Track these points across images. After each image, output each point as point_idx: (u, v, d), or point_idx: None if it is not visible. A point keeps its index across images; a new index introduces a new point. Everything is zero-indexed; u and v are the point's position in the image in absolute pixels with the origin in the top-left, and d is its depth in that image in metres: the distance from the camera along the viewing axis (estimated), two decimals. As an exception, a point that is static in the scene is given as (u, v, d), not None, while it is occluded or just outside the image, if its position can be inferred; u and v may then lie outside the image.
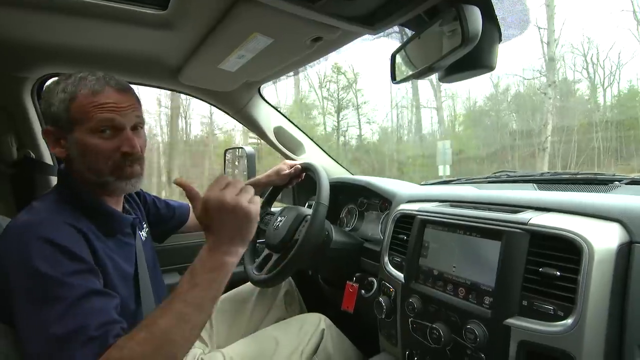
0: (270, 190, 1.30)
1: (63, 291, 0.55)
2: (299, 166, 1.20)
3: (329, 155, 1.69)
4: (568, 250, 0.63)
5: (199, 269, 0.59)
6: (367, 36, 0.89)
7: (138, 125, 0.74)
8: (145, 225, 0.92)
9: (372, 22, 0.80)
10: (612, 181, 0.91)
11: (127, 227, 0.79)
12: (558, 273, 0.62)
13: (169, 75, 1.19)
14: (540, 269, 0.64)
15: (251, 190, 0.63)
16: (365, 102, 12.88)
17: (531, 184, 1.05)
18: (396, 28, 0.84)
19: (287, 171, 1.20)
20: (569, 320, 0.59)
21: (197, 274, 0.58)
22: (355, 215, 1.45)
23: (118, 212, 0.77)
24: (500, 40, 0.78)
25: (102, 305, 0.58)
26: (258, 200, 0.63)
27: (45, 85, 0.73)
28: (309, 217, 1.03)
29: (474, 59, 0.74)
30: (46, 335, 0.53)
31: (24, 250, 0.57)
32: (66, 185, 0.72)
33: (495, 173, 1.26)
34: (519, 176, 1.16)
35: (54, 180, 1.23)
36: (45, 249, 0.58)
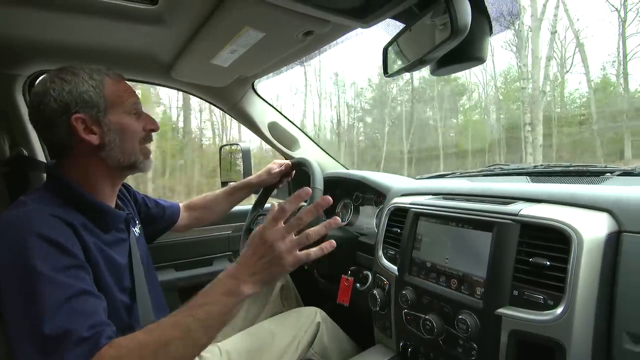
0: (262, 191, 1.29)
1: (54, 288, 0.54)
2: (289, 163, 1.21)
3: (324, 151, 1.69)
4: (558, 240, 0.63)
5: (213, 289, 0.59)
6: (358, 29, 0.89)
7: None
8: (137, 222, 0.92)
9: (363, 15, 0.80)
10: (603, 173, 0.92)
11: (121, 222, 0.80)
12: (548, 263, 0.63)
13: (161, 71, 1.18)
14: (531, 259, 0.65)
15: (305, 242, 0.62)
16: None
17: (524, 176, 1.06)
18: (387, 21, 0.84)
19: (278, 169, 1.20)
20: (559, 309, 0.60)
21: (210, 293, 0.58)
22: (351, 209, 1.45)
23: (111, 207, 0.77)
24: (491, 32, 0.78)
25: (93, 307, 0.57)
26: (302, 258, 0.62)
27: (42, 79, 0.71)
28: (304, 206, 1.03)
29: (464, 52, 0.74)
30: (36, 334, 0.51)
31: (13, 246, 0.57)
32: (57, 180, 0.71)
33: (488, 166, 1.27)
34: (512, 169, 1.17)
35: (48, 177, 1.23)
36: (35, 243, 0.57)
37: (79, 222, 0.66)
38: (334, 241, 0.65)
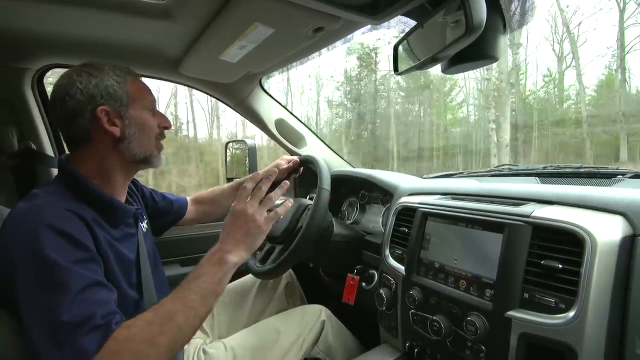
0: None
1: (70, 279, 0.56)
2: (297, 160, 1.20)
3: (331, 148, 1.68)
4: (570, 243, 0.62)
5: (205, 263, 0.67)
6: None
7: None
8: (145, 217, 0.92)
9: (374, 11, 0.79)
10: (615, 175, 0.91)
11: (130, 217, 0.80)
12: (560, 265, 0.62)
13: (169, 67, 1.18)
14: (542, 262, 0.64)
15: (269, 203, 0.75)
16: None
17: (533, 177, 1.04)
18: (398, 18, 0.83)
19: (286, 166, 1.19)
20: (571, 313, 0.59)
21: (203, 266, 0.66)
22: (357, 208, 1.45)
23: (121, 202, 0.78)
24: (505, 30, 0.77)
25: (106, 297, 0.60)
26: (273, 216, 0.75)
27: (66, 72, 0.73)
28: (310, 206, 1.02)
29: (477, 50, 0.73)
30: (54, 321, 0.53)
31: (26, 238, 0.58)
32: (68, 174, 0.71)
33: (497, 167, 1.26)
34: (522, 169, 1.15)
35: (55, 171, 1.23)
36: (50, 236, 0.58)
37: (90, 216, 0.67)
38: (292, 199, 0.85)
